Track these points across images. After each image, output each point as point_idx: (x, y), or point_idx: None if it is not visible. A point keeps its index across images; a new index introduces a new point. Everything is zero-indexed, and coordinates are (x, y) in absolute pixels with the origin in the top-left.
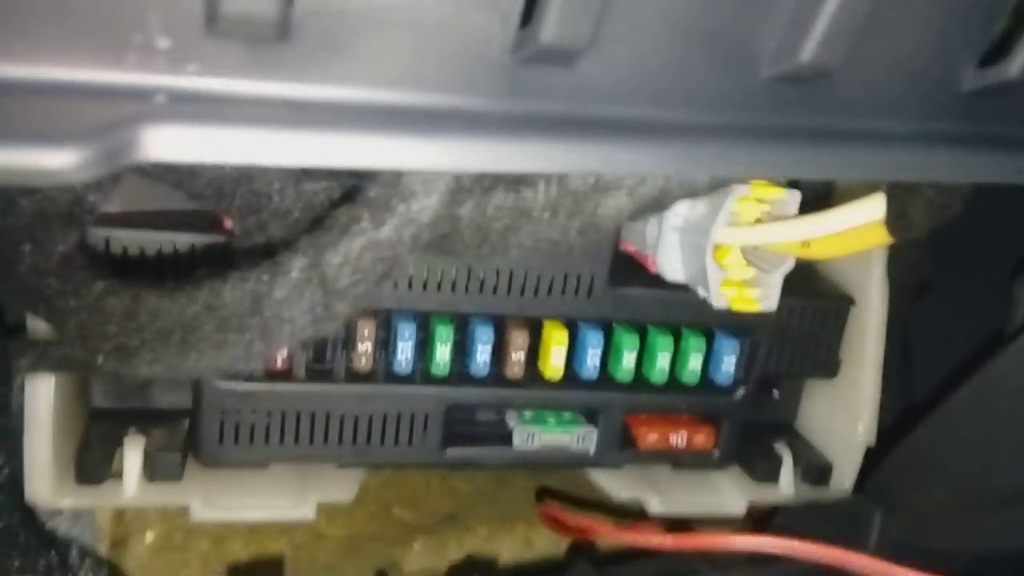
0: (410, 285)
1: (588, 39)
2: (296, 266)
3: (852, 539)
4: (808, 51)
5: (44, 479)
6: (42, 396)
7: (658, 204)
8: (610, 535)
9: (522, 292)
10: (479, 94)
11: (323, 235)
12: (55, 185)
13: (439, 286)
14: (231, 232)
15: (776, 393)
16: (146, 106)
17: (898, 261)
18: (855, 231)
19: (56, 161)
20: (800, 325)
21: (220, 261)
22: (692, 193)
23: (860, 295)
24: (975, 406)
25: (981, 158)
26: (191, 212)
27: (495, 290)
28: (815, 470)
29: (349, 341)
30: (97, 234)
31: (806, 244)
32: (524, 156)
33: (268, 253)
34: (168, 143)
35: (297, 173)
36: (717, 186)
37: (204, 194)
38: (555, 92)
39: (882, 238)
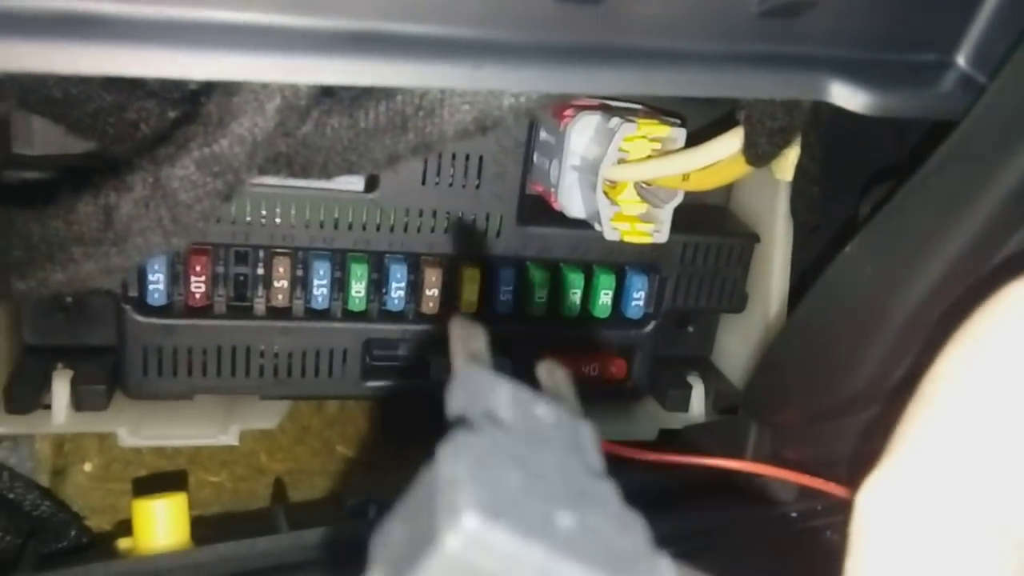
0: (322, 225)
1: None
2: (139, 180)
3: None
4: None
5: None
6: None
7: (480, 125)
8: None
9: (432, 230)
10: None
11: (162, 152)
12: None
13: (351, 226)
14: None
15: (691, 328)
16: None
17: (799, 200)
18: (723, 164)
19: None
20: (707, 261)
21: (82, 183)
22: (516, 115)
23: (765, 233)
24: (810, 321)
25: (776, 76)
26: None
27: (406, 228)
28: (725, 399)
29: (267, 279)
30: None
31: (686, 177)
32: (317, 68)
33: (116, 171)
34: None
35: (165, 103)
36: (545, 105)
37: (83, 124)
38: (350, 8)
39: (742, 168)
